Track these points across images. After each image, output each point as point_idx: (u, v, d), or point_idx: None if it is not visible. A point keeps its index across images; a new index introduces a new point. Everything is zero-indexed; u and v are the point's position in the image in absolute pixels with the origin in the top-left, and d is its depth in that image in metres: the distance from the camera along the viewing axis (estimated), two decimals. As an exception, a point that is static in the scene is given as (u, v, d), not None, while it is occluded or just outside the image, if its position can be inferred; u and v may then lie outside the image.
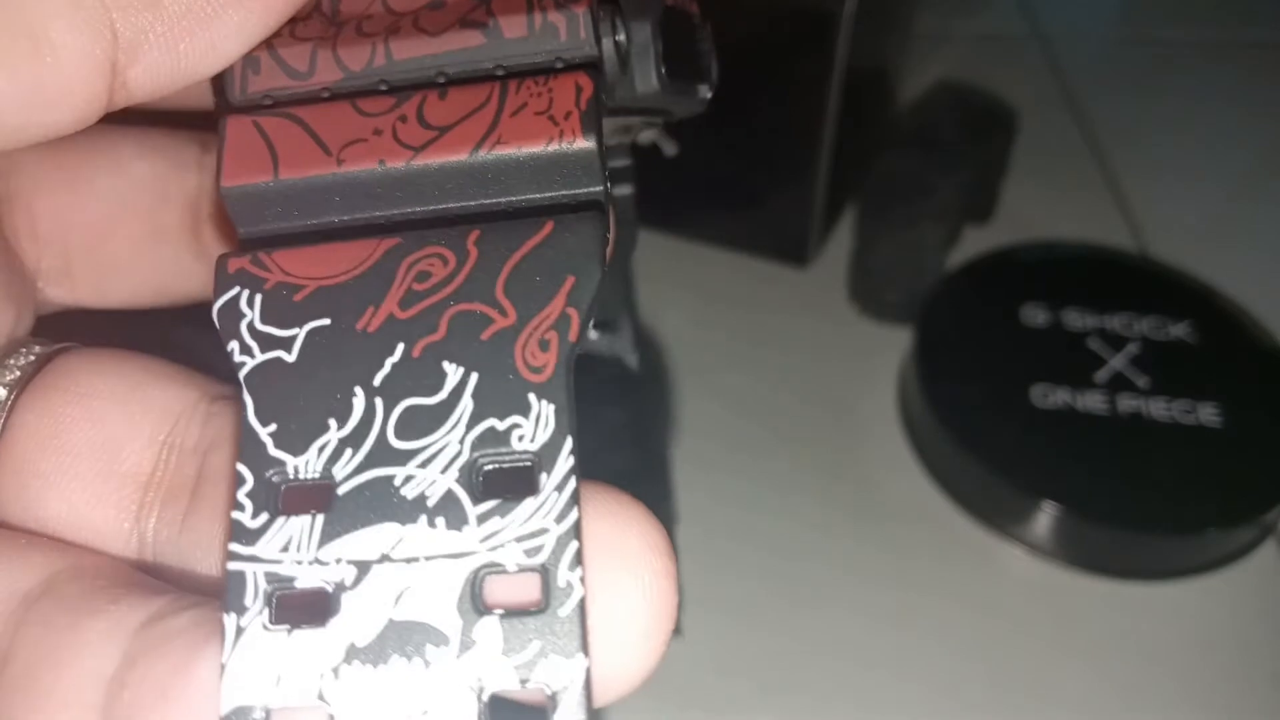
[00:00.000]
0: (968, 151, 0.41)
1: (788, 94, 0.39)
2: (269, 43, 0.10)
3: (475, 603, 0.08)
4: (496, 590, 0.08)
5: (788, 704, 0.30)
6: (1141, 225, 0.45)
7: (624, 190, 0.21)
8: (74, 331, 0.12)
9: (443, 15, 0.10)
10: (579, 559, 0.08)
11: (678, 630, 0.28)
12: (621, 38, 0.11)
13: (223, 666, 0.08)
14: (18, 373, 0.10)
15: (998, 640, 0.31)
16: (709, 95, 0.13)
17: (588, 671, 0.08)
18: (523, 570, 0.08)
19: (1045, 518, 0.33)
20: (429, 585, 0.08)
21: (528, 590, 0.08)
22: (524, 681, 0.08)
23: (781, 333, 0.40)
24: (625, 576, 0.09)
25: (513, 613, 0.08)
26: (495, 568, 0.08)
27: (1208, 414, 0.35)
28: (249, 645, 0.08)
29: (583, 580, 0.08)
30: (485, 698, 0.08)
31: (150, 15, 0.09)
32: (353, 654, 0.08)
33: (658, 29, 0.11)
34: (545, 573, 0.08)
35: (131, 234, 0.12)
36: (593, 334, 0.27)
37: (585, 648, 0.08)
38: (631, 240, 0.22)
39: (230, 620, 0.08)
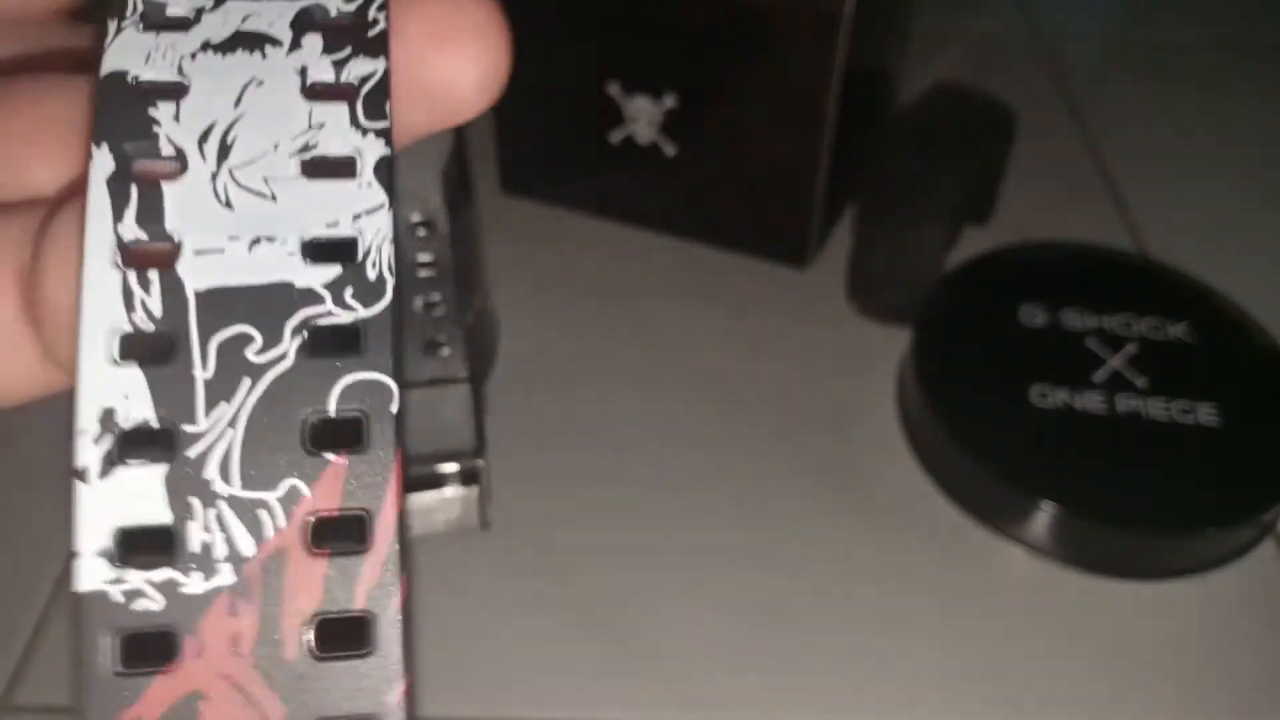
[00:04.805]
0: (967, 152, 0.41)
1: (788, 94, 0.39)
2: None
3: (305, 25, 0.11)
4: (320, 15, 0.11)
5: (787, 702, 0.30)
6: (1140, 226, 0.45)
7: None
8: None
9: None
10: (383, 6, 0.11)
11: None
12: None
13: (104, 49, 0.10)
14: None
15: (997, 638, 0.31)
16: None
17: (386, 71, 0.10)
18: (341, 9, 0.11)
19: (1044, 517, 0.33)
20: (270, 12, 0.11)
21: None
22: (340, 74, 0.10)
23: (780, 333, 0.40)
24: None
25: (330, 29, 0.11)
26: (320, 9, 0.11)
27: (1206, 414, 0.35)
28: (124, 40, 0.11)
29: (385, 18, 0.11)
30: (307, 81, 0.10)
31: None
32: (207, 46, 0.11)
33: None
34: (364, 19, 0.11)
35: None
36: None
37: (386, 54, 0.10)
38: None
39: (112, 23, 0.11)
